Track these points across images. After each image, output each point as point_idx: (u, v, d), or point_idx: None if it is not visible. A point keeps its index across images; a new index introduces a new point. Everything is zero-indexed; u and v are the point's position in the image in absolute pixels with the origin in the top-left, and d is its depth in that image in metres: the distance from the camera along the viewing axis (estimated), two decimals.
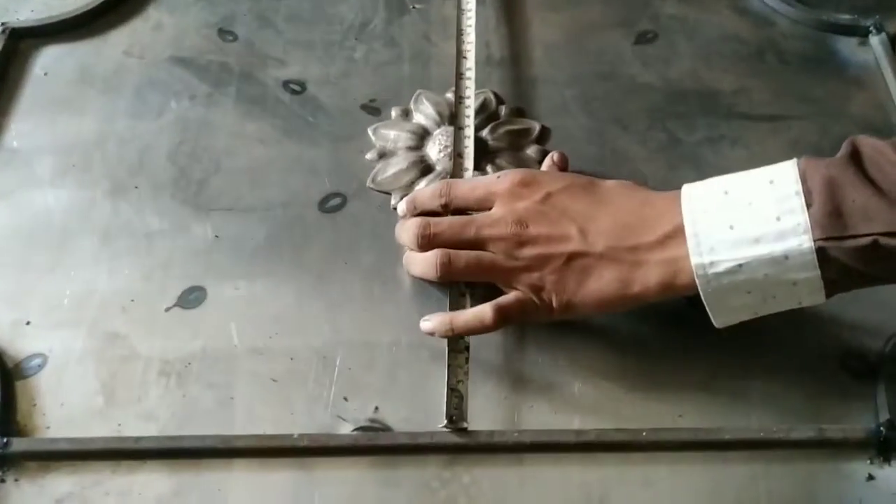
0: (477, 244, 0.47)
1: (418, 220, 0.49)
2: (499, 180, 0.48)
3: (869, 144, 0.41)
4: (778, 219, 0.40)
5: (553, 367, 0.47)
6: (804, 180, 0.41)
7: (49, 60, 0.61)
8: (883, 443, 0.44)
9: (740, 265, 0.41)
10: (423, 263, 0.48)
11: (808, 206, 0.40)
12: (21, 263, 0.51)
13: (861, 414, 0.46)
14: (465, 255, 0.47)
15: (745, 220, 0.41)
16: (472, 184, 0.50)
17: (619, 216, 0.46)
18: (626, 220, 0.45)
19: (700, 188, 0.44)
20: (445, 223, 0.48)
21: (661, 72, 0.61)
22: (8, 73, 0.60)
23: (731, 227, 0.41)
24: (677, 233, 0.43)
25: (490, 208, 0.48)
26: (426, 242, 0.48)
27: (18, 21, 0.62)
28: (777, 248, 0.40)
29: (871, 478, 0.44)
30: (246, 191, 0.55)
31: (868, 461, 0.44)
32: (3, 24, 0.61)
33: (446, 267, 0.47)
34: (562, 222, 0.46)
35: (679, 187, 0.45)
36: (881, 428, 0.44)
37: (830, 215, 0.39)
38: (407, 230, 0.49)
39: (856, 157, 0.41)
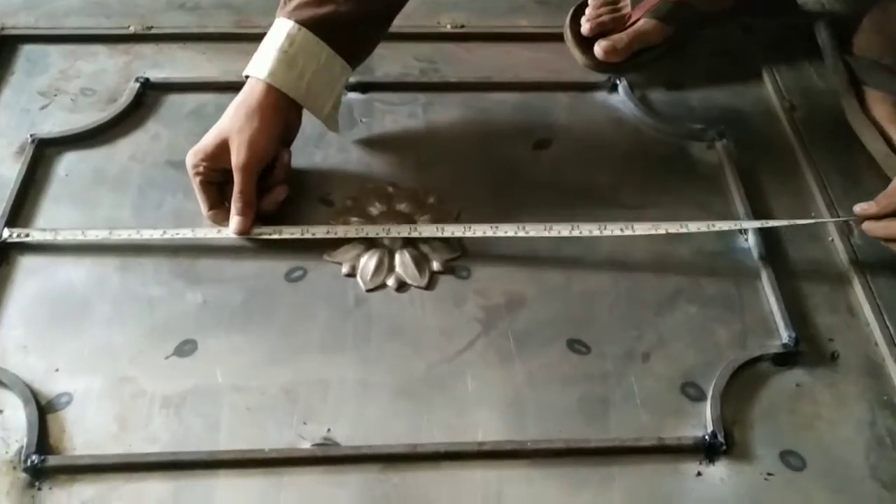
0: None
1: None
2: None
3: None
4: None
5: (463, 395, 0.62)
6: None
7: (69, 164, 0.76)
8: (708, 448, 0.60)
9: None
10: None
11: None
12: (50, 324, 0.65)
13: (693, 427, 0.61)
14: None
15: None
16: None
17: None
18: None
19: None
20: None
21: (554, 172, 0.78)
22: (36, 173, 0.75)
23: None
24: None
25: None
26: None
27: (44, 133, 0.77)
28: None
29: (699, 474, 0.59)
30: (227, 266, 0.69)
31: (698, 462, 0.60)
32: (32, 135, 0.76)
33: None
34: None
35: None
36: (706, 437, 0.60)
37: None
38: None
39: None
